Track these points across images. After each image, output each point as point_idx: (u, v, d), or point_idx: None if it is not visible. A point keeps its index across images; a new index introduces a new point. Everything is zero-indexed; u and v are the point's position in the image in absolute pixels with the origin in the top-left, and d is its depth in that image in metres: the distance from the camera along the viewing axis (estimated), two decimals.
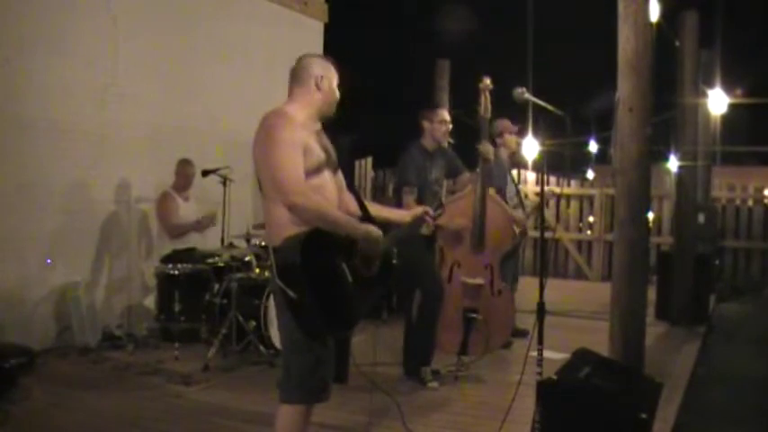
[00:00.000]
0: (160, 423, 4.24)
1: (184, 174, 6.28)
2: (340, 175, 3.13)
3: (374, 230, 2.93)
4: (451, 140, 5.46)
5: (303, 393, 2.94)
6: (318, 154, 2.92)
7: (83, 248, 6.08)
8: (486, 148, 5.12)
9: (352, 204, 3.13)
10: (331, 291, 2.80)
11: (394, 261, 3.04)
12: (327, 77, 3.06)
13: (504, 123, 6.36)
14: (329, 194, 2.95)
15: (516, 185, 6.52)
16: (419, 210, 3.40)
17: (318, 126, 3.06)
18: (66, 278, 5.87)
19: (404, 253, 5.33)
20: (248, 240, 6.13)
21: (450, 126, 5.31)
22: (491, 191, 5.43)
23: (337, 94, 3.09)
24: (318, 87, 3.03)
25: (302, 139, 2.87)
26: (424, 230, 4.58)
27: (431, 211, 3.40)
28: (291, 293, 2.74)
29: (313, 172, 2.88)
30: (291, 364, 2.94)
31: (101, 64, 6.11)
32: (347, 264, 2.86)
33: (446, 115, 5.26)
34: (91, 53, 6.05)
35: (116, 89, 6.20)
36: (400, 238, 3.18)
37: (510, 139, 6.39)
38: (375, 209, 3.23)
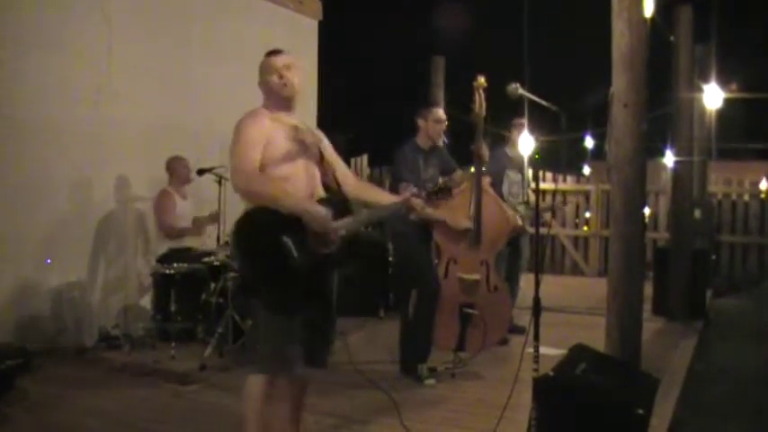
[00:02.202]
0: (157, 423, 4.23)
1: (179, 170, 6.26)
2: (336, 165, 3.42)
3: (315, 210, 3.06)
4: (445, 140, 5.45)
5: (263, 364, 3.18)
6: (284, 145, 3.16)
7: (78, 249, 6.07)
8: (481, 149, 5.13)
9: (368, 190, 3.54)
10: (270, 263, 3.01)
11: (361, 241, 3.26)
12: (265, 80, 3.28)
13: (521, 121, 6.37)
14: (299, 182, 3.16)
15: (524, 184, 6.52)
16: (407, 195, 3.43)
17: (294, 120, 3.29)
18: (62, 278, 5.86)
19: (400, 250, 5.41)
20: None
21: (445, 125, 5.30)
22: (486, 185, 5.44)
23: (280, 81, 3.24)
24: (266, 89, 3.29)
25: (263, 133, 3.13)
26: (412, 217, 4.67)
27: (418, 192, 3.46)
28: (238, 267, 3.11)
29: (279, 162, 3.12)
30: (258, 336, 3.22)
31: (95, 64, 6.09)
32: (294, 239, 3.01)
33: (442, 115, 5.25)
34: (85, 53, 6.02)
35: (110, 89, 6.18)
36: (372, 220, 3.41)
37: (517, 135, 6.41)
38: (372, 193, 3.49)
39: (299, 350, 3.14)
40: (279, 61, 3.26)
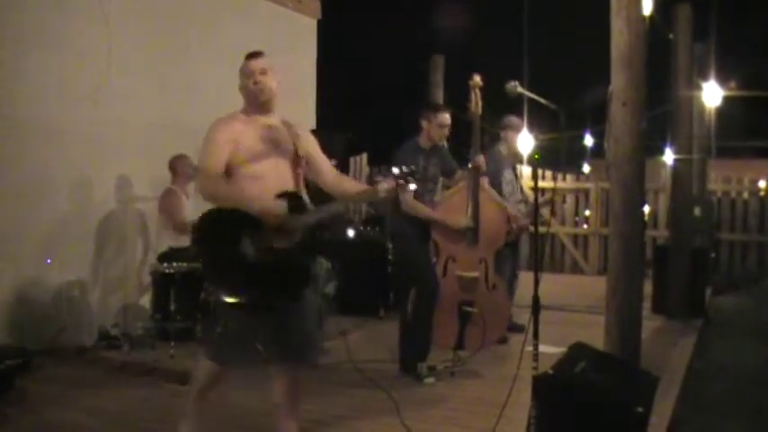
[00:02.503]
0: (157, 422, 4.23)
1: (182, 168, 6.24)
2: (315, 160, 3.51)
3: (269, 207, 3.19)
4: (445, 143, 5.44)
5: (208, 350, 3.42)
6: (255, 146, 3.30)
7: (78, 248, 6.06)
8: (477, 161, 5.13)
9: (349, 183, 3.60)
10: (225, 260, 3.20)
11: (325, 235, 3.36)
12: (243, 84, 3.43)
13: (513, 121, 6.37)
14: (269, 180, 3.27)
15: (518, 182, 6.52)
16: (383, 186, 3.31)
17: (273, 120, 3.43)
18: (62, 278, 5.86)
19: (399, 249, 5.41)
20: None
21: (449, 129, 5.28)
22: (485, 183, 5.44)
23: (255, 86, 3.37)
24: (244, 93, 3.44)
25: (231, 136, 3.28)
26: (404, 208, 4.85)
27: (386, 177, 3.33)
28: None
29: (249, 162, 3.28)
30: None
31: (94, 63, 6.08)
32: (252, 235, 3.17)
33: (446, 119, 5.21)
34: (84, 53, 6.02)
35: (110, 88, 6.17)
36: (332, 211, 3.44)
37: (513, 137, 6.40)
38: (348, 186, 3.55)
39: (248, 344, 3.26)
40: (254, 66, 3.39)
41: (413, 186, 3.36)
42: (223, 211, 3.24)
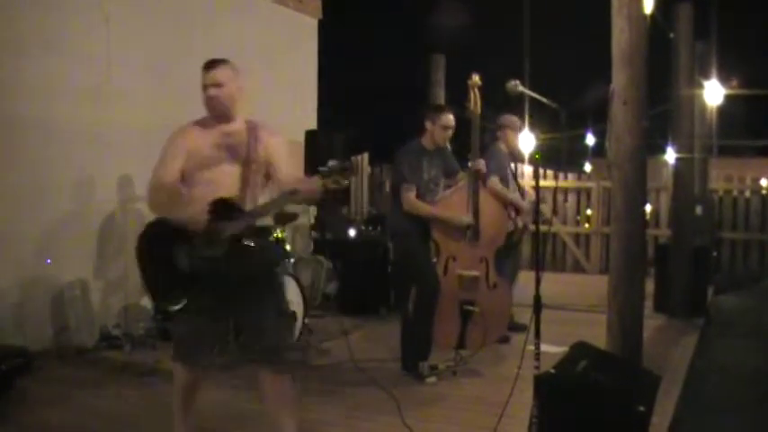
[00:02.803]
0: (157, 423, 4.22)
1: None
2: (276, 168, 3.39)
3: (194, 216, 3.20)
4: (448, 145, 5.43)
5: (174, 351, 3.55)
6: (207, 153, 3.33)
7: (79, 248, 6.06)
8: (477, 164, 5.14)
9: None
10: (160, 267, 3.33)
11: (249, 242, 3.24)
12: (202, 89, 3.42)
13: (510, 119, 6.37)
14: (221, 186, 3.26)
15: (516, 180, 6.53)
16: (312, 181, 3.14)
17: (230, 127, 3.42)
18: (63, 278, 5.86)
19: (400, 248, 5.40)
20: None
21: (452, 131, 5.26)
22: (493, 181, 5.44)
23: (209, 101, 3.41)
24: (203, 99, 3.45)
25: (183, 146, 3.39)
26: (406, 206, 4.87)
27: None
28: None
29: (201, 169, 3.32)
30: None
31: (94, 63, 6.08)
32: (188, 243, 3.24)
33: (450, 121, 5.20)
34: (84, 52, 6.01)
35: (110, 88, 6.17)
36: (262, 213, 3.34)
37: (512, 135, 6.40)
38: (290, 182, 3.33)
39: (202, 346, 3.46)
40: (208, 79, 3.42)
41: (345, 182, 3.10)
42: (160, 224, 3.35)
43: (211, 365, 3.66)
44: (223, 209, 3.20)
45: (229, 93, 3.41)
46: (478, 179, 5.19)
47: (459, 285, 5.14)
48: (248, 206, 3.30)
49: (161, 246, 3.31)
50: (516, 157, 6.80)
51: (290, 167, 3.47)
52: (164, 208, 3.35)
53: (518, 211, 5.92)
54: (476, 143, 5.18)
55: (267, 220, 3.66)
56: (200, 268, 3.24)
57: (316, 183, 3.08)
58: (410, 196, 5.06)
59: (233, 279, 3.27)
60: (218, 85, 3.39)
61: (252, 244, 3.24)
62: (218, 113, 3.42)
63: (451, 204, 5.18)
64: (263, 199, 3.40)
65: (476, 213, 5.15)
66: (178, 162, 3.36)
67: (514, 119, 6.39)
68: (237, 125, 3.44)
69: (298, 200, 3.29)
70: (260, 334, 3.36)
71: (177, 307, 3.29)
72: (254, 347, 3.37)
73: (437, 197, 5.27)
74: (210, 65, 3.46)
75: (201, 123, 3.47)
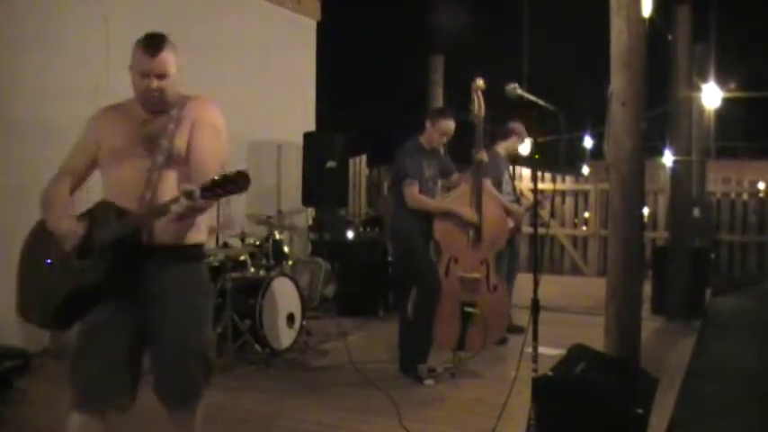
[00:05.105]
0: (157, 423, 4.21)
1: None
2: (192, 162, 2.74)
3: (52, 221, 2.80)
4: (441, 150, 5.43)
5: (71, 393, 2.76)
6: (119, 145, 2.77)
7: None
8: (480, 155, 5.14)
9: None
10: (31, 279, 2.91)
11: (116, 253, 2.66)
12: (131, 72, 2.86)
13: (519, 127, 6.37)
14: (125, 184, 2.75)
15: (513, 182, 6.54)
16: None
17: (150, 114, 2.84)
18: None
19: (400, 249, 5.40)
20: (243, 240, 6.12)
21: (449, 137, 5.25)
22: (487, 183, 5.44)
23: (147, 92, 2.80)
24: (132, 83, 2.86)
25: (95, 134, 2.88)
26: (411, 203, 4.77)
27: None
28: None
29: (111, 162, 2.82)
30: None
31: (93, 63, 6.08)
32: (57, 251, 2.77)
33: (449, 128, 5.18)
34: (82, 52, 6.02)
35: (109, 88, 6.15)
36: (133, 226, 2.70)
37: (516, 143, 6.41)
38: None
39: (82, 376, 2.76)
40: (153, 67, 2.78)
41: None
42: (39, 231, 2.90)
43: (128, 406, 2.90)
44: (102, 213, 2.76)
45: (174, 83, 2.82)
46: (481, 174, 5.20)
47: (461, 287, 5.14)
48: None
49: (34, 252, 2.88)
50: (514, 160, 6.82)
51: (215, 153, 2.81)
52: (43, 207, 2.87)
53: (509, 214, 5.92)
54: (479, 140, 5.18)
55: (196, 238, 2.86)
56: (66, 281, 2.72)
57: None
58: (413, 191, 5.05)
59: (83, 297, 2.71)
60: (164, 75, 2.77)
61: (125, 257, 2.65)
62: (156, 109, 2.82)
63: (457, 203, 5.21)
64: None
65: (478, 216, 5.15)
66: (83, 156, 2.89)
67: (522, 127, 6.40)
68: (172, 110, 2.86)
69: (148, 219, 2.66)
70: (119, 361, 2.77)
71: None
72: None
73: (437, 199, 5.28)
74: (154, 46, 2.77)
75: (121, 109, 2.91)
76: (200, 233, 2.87)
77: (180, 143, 2.76)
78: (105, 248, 2.64)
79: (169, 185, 2.71)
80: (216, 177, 2.34)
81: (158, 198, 2.69)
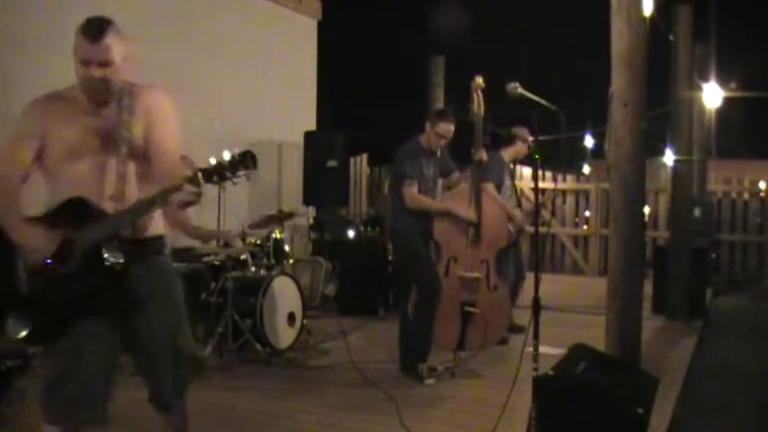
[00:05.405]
0: (156, 423, 4.21)
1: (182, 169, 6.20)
2: (153, 152, 2.63)
3: (18, 239, 2.55)
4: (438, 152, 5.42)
5: (42, 407, 2.63)
6: (70, 141, 2.55)
7: None
8: (480, 152, 5.13)
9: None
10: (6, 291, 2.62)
11: (107, 262, 2.50)
12: (75, 61, 2.53)
13: (524, 133, 6.36)
14: (85, 179, 2.56)
15: (515, 187, 6.53)
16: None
17: (94, 105, 2.61)
18: None
19: (400, 248, 5.40)
20: (244, 239, 6.12)
21: (447, 140, 5.24)
22: (489, 187, 5.44)
23: (89, 82, 2.53)
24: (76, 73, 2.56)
25: (38, 127, 2.57)
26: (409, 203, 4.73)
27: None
28: None
29: (65, 160, 2.56)
30: None
31: None
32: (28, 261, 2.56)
33: (448, 131, 5.17)
34: None
35: None
36: (110, 231, 2.53)
37: (521, 148, 6.41)
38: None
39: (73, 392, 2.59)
40: (95, 54, 2.49)
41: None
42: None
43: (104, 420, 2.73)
44: (78, 212, 2.52)
45: (118, 72, 2.57)
46: (480, 172, 5.20)
47: (461, 287, 5.14)
48: (123, 207, 2.55)
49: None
50: (516, 162, 6.82)
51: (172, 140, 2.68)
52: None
53: (510, 218, 5.92)
54: (479, 138, 5.18)
55: (160, 229, 2.81)
56: (50, 286, 2.53)
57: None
58: (412, 191, 5.05)
59: (94, 306, 2.57)
60: (108, 62, 2.51)
61: (114, 260, 2.50)
62: (99, 99, 2.58)
63: (452, 203, 5.21)
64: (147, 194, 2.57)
65: (478, 215, 5.15)
66: (28, 150, 2.56)
67: (526, 133, 6.40)
68: (122, 98, 2.65)
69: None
70: (99, 371, 2.66)
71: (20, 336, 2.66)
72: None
73: (437, 199, 5.28)
74: (95, 31, 2.48)
75: (62, 98, 2.63)
76: (159, 225, 2.79)
77: (137, 133, 2.63)
78: (89, 252, 2.50)
79: (130, 181, 2.61)
80: (221, 161, 2.40)
81: (131, 191, 2.58)
